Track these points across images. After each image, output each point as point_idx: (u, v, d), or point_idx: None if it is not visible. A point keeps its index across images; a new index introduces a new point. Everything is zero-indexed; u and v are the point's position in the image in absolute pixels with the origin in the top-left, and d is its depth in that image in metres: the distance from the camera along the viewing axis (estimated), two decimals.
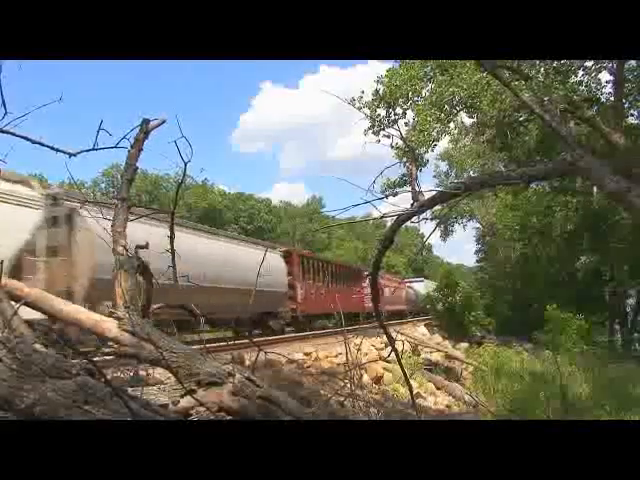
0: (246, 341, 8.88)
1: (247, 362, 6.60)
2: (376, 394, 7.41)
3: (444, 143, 28.89)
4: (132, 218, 3.28)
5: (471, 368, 13.87)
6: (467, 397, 10.18)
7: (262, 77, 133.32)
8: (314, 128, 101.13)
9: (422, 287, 34.99)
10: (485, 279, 33.21)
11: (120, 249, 3.05)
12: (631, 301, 25.18)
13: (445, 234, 37.23)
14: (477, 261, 38.97)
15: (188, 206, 43.67)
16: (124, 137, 3.26)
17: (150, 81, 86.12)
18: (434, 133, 16.13)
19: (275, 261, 15.97)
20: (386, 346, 10.98)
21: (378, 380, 9.10)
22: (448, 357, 14.46)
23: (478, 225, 36.58)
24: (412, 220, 3.54)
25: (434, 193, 3.29)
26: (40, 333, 2.50)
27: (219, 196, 50.18)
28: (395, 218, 3.30)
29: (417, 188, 3.34)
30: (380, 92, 16.38)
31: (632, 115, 16.37)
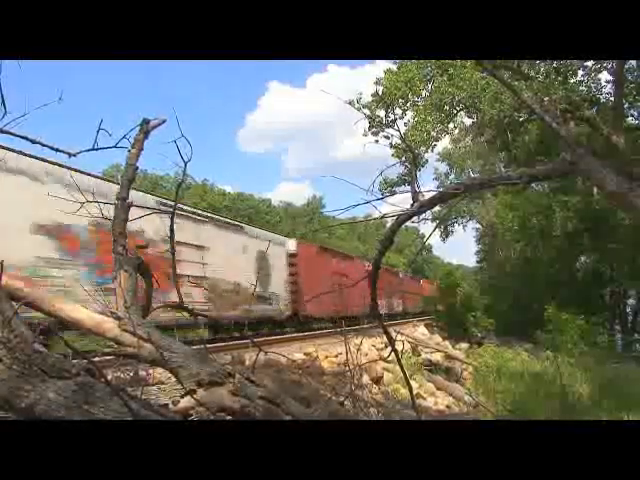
0: (246, 341, 8.89)
1: (247, 362, 6.61)
2: (376, 394, 7.41)
3: (444, 143, 28.97)
4: (132, 218, 3.28)
5: (471, 368, 13.86)
6: (467, 397, 10.18)
7: (269, 77, 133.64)
8: (321, 128, 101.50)
9: None
10: (485, 279, 33.20)
11: (120, 249, 3.05)
12: (631, 301, 25.17)
13: (445, 234, 37.34)
14: (477, 261, 39.04)
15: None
16: (124, 137, 3.26)
17: (155, 81, 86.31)
18: (434, 133, 16.17)
19: None
20: (386, 346, 10.98)
21: (378, 380, 9.10)
22: (448, 357, 14.45)
23: (478, 225, 36.66)
24: (412, 220, 3.54)
25: (434, 193, 3.29)
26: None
27: (219, 196, 50.25)
28: (395, 218, 3.29)
29: (417, 188, 3.34)
30: (380, 93, 16.45)
31: (632, 115, 16.39)
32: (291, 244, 17.98)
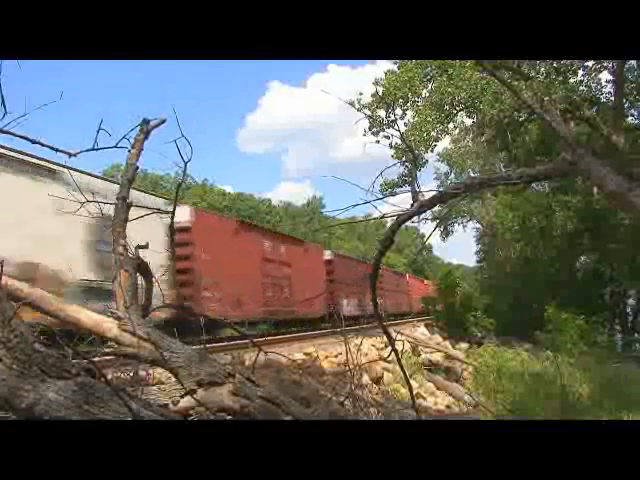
0: (246, 341, 8.87)
1: (247, 362, 6.61)
2: (376, 394, 7.41)
3: (444, 143, 28.97)
4: (132, 218, 3.28)
5: (471, 368, 13.87)
6: (467, 397, 10.18)
7: (269, 77, 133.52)
8: (321, 128, 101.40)
9: None
10: (485, 279, 33.17)
11: (120, 249, 3.04)
12: (631, 301, 25.17)
13: (445, 234, 37.31)
14: (477, 261, 39.02)
15: None
16: (124, 137, 3.26)
17: (156, 81, 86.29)
18: (434, 133, 16.18)
19: None
20: (386, 346, 10.98)
21: (378, 380, 9.10)
22: (448, 357, 14.46)
23: (478, 225, 36.64)
24: (412, 220, 3.54)
25: (434, 193, 3.29)
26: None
27: (219, 196, 50.27)
28: (395, 218, 3.29)
29: (417, 188, 3.34)
30: (380, 93, 16.46)
31: (632, 115, 16.42)
32: (182, 213, 11.27)
